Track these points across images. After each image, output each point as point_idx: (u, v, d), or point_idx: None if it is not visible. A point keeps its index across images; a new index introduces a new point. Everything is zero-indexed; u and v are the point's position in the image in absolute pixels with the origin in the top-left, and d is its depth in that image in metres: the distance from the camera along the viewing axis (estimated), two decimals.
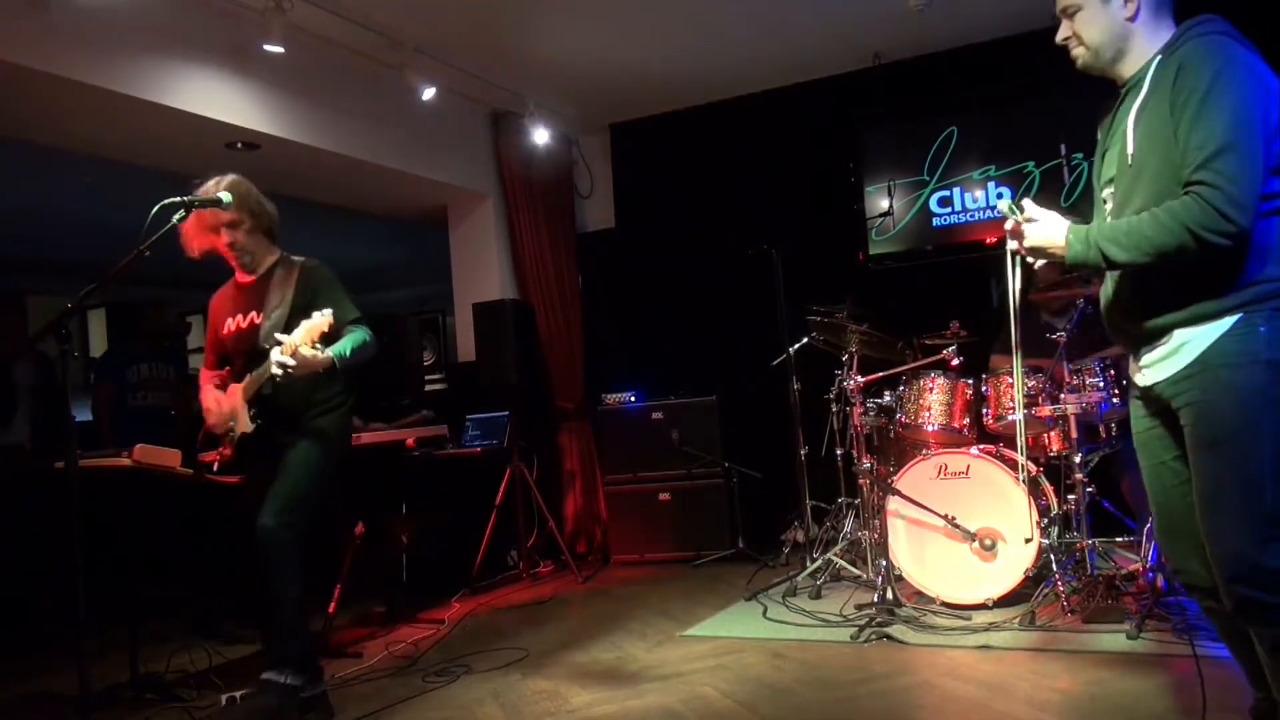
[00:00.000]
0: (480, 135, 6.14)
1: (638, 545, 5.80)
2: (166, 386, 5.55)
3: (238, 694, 3.39)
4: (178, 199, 2.84)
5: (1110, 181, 2.09)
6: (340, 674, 3.73)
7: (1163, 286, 1.95)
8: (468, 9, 4.77)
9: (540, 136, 5.97)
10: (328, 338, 3.02)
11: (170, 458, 3.51)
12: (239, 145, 4.74)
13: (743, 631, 3.97)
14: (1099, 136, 2.19)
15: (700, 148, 6.37)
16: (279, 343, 2.95)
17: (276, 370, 2.92)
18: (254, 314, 3.21)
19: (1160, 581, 3.59)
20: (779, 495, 5.56)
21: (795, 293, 5.07)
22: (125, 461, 3.41)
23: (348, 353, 3.12)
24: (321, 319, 2.94)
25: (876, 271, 5.85)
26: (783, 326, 5.05)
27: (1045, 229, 2.01)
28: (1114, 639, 3.35)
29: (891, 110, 5.85)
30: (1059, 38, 2.12)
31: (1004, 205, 2.08)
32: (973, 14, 5.10)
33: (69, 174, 6.15)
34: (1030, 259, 2.08)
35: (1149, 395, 2.06)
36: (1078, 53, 2.08)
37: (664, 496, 5.74)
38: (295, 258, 3.33)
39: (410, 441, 4.91)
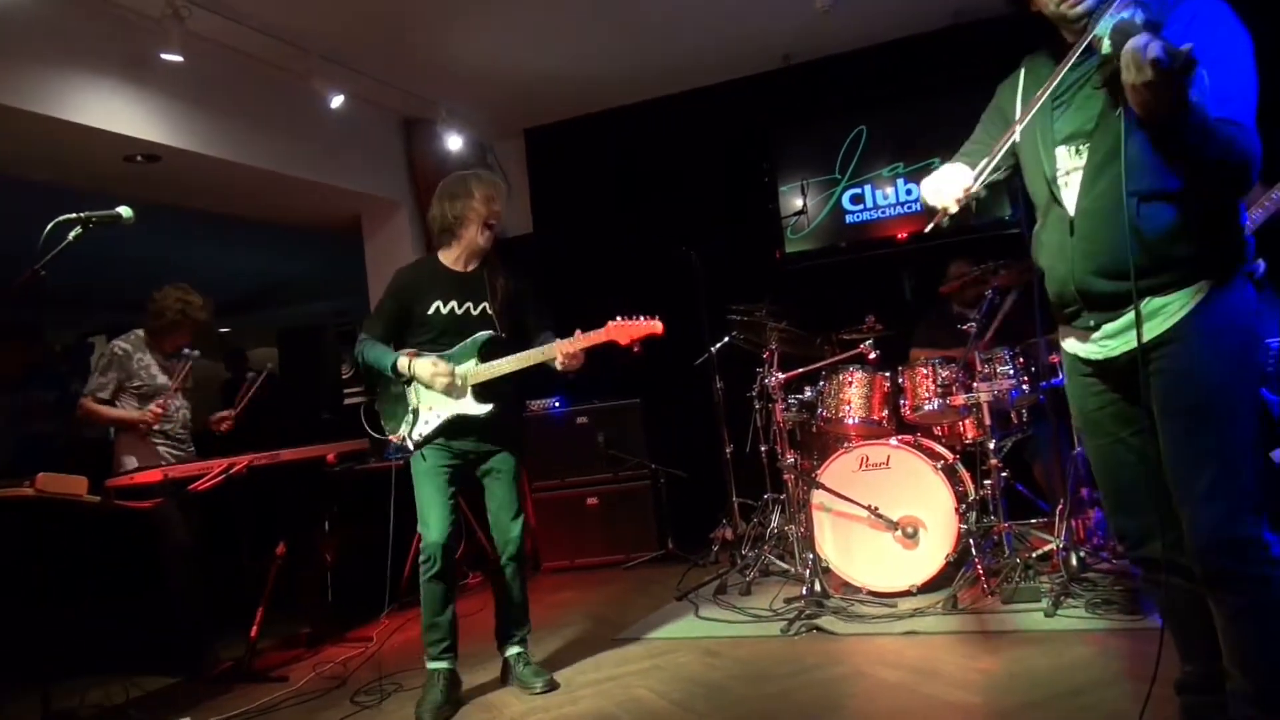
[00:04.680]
0: (392, 142, 6.05)
1: (567, 551, 5.78)
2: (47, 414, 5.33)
3: None
4: (73, 215, 2.72)
5: (1075, 138, 1.96)
6: (266, 699, 3.63)
7: (1143, 247, 1.85)
8: (374, 16, 4.70)
9: (454, 143, 5.91)
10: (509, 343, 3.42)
11: (76, 485, 3.37)
12: (138, 158, 4.59)
13: (675, 632, 3.99)
14: (1016, 98, 2.07)
15: (616, 151, 6.38)
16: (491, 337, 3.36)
17: (561, 363, 3.29)
18: (485, 303, 3.43)
19: (1074, 560, 3.72)
20: (706, 494, 5.60)
21: (715, 292, 5.12)
22: (27, 491, 3.25)
23: None
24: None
25: (793, 269, 5.94)
26: (704, 326, 5.09)
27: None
28: (1032, 618, 3.47)
29: (802, 110, 5.95)
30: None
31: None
32: (876, 15, 5.22)
33: None
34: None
35: (1108, 368, 2.00)
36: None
37: (591, 501, 5.73)
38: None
39: (331, 457, 4.80)
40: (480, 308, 3.44)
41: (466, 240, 3.44)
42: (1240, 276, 1.88)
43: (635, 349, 3.29)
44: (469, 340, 3.40)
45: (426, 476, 3.35)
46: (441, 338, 3.39)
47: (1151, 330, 1.89)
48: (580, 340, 3.30)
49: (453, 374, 3.33)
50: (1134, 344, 1.89)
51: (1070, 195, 1.99)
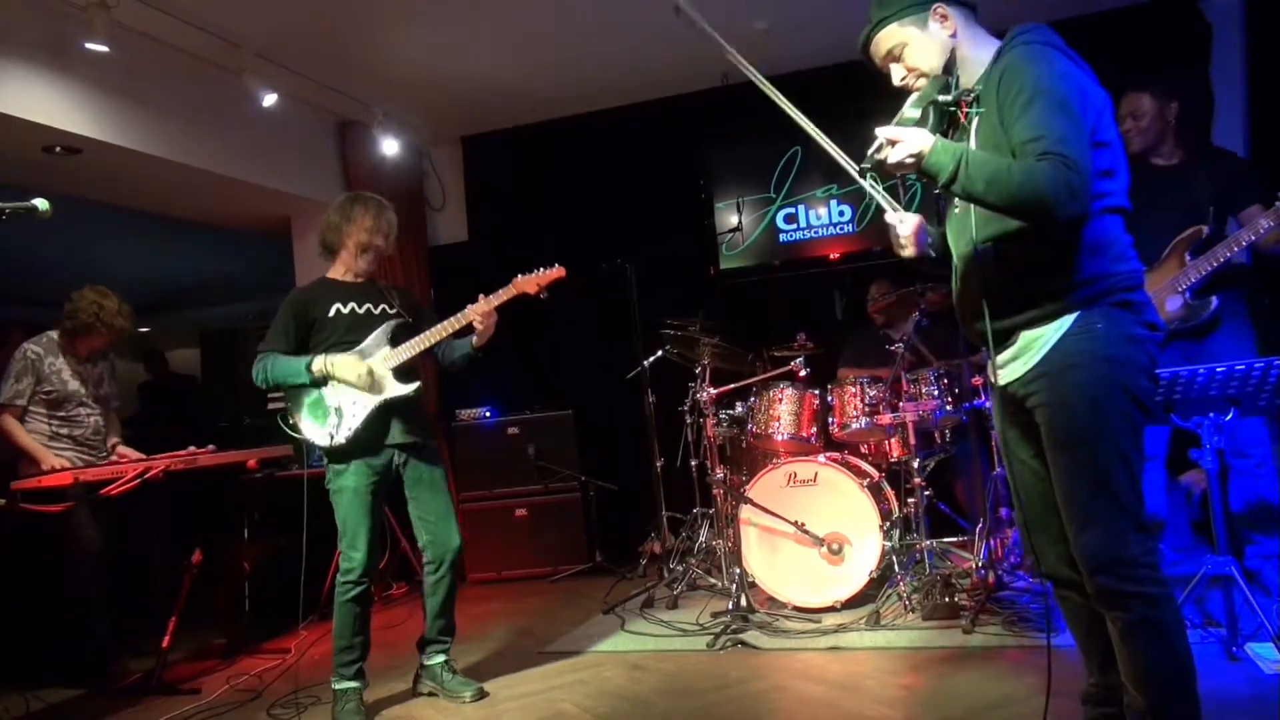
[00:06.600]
0: (326, 144, 5.94)
1: (494, 563, 5.72)
2: None
3: None
4: None
5: None
6: (177, 712, 3.51)
7: (1005, 287, 2.01)
8: (311, 15, 4.61)
9: (389, 147, 5.83)
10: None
11: None
12: (58, 149, 4.42)
13: (601, 645, 3.98)
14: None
15: (554, 162, 6.37)
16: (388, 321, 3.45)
17: (479, 321, 3.40)
18: (384, 305, 3.48)
19: (991, 578, 3.82)
20: (635, 507, 5.60)
21: (649, 306, 5.14)
22: None
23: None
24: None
25: (727, 286, 5.99)
26: (637, 340, 5.11)
27: (915, 136, 1.98)
28: (951, 634, 3.54)
29: (739, 129, 6.01)
30: (897, 80, 2.19)
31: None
32: (812, 40, 5.30)
33: None
34: (895, 169, 2.06)
35: (1005, 395, 2.10)
36: (921, 83, 2.15)
37: (521, 512, 5.69)
38: None
39: (252, 463, 4.68)
40: (380, 308, 3.49)
41: (344, 261, 3.49)
42: (1106, 307, 1.93)
43: (544, 295, 3.48)
44: (378, 330, 3.41)
45: (354, 497, 3.29)
46: (346, 336, 3.38)
47: (1026, 363, 2.01)
48: (492, 299, 3.43)
49: (371, 371, 3.33)
50: (1017, 374, 2.03)
51: (953, 233, 2.18)
